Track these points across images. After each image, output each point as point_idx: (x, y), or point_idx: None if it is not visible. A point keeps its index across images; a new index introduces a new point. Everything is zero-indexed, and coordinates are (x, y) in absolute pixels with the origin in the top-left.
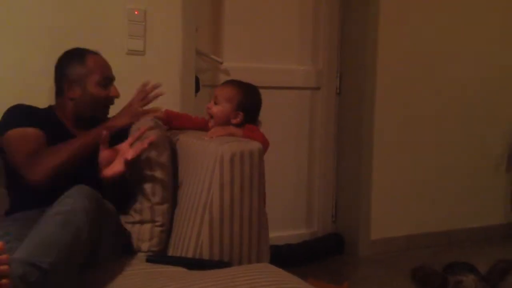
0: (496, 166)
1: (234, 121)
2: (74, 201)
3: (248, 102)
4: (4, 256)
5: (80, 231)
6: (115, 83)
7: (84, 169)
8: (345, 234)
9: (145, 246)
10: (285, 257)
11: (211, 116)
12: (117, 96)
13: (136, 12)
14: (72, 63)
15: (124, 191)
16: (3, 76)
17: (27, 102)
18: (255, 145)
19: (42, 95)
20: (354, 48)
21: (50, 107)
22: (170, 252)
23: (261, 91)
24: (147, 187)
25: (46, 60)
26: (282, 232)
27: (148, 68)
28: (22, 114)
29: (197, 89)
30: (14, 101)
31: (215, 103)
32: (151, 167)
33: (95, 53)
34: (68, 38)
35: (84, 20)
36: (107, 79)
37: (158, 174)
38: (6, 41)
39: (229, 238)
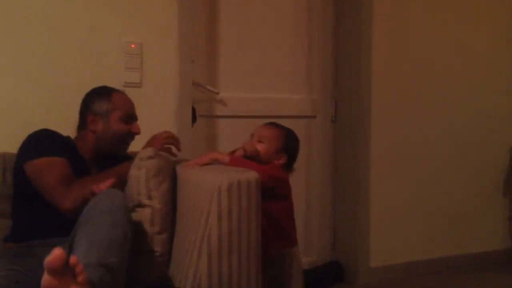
0: (493, 192)
1: (276, 162)
2: (112, 200)
3: (291, 147)
4: (80, 266)
5: (125, 228)
6: None
7: None
8: (344, 262)
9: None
10: None
11: (245, 150)
12: (138, 133)
13: (132, 46)
14: (99, 98)
15: None
16: (3, 110)
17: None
18: (252, 175)
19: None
20: (349, 76)
21: (68, 137)
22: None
23: (257, 120)
24: (146, 216)
25: (43, 93)
26: None
27: (145, 100)
28: (50, 141)
29: (194, 119)
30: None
31: (260, 142)
32: (150, 196)
33: (121, 92)
34: (66, 71)
35: (81, 53)
36: (129, 116)
37: (157, 203)
38: (6, 76)
39: (228, 269)
